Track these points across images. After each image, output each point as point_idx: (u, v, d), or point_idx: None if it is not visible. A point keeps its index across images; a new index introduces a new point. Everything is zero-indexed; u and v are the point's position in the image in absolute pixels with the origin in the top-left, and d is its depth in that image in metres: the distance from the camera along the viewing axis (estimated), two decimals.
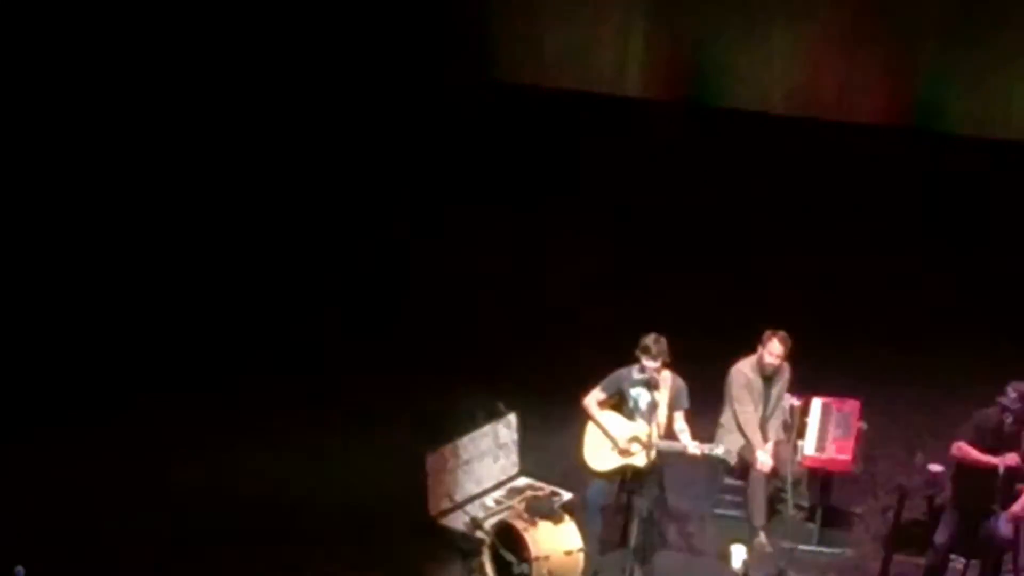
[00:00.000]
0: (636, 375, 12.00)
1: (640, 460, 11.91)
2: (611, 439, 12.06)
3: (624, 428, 12.05)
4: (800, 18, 18.90)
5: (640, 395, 11.99)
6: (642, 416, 11.95)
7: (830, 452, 12.46)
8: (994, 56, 18.27)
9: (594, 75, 19.64)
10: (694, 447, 11.89)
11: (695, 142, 18.58)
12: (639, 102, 19.49)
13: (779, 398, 12.57)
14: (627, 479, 12.09)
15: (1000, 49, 18.25)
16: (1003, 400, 11.44)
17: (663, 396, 11.96)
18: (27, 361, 14.55)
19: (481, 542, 12.13)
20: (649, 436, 11.80)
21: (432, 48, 19.46)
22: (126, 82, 18.33)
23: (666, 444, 11.91)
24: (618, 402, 12.17)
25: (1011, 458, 11.39)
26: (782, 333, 12.37)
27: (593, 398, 12.17)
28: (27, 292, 15.63)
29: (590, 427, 12.20)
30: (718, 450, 12.03)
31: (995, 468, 11.37)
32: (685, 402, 12.08)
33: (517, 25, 19.77)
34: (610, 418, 12.14)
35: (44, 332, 15.14)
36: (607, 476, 12.14)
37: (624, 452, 11.99)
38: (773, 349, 12.36)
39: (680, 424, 12.03)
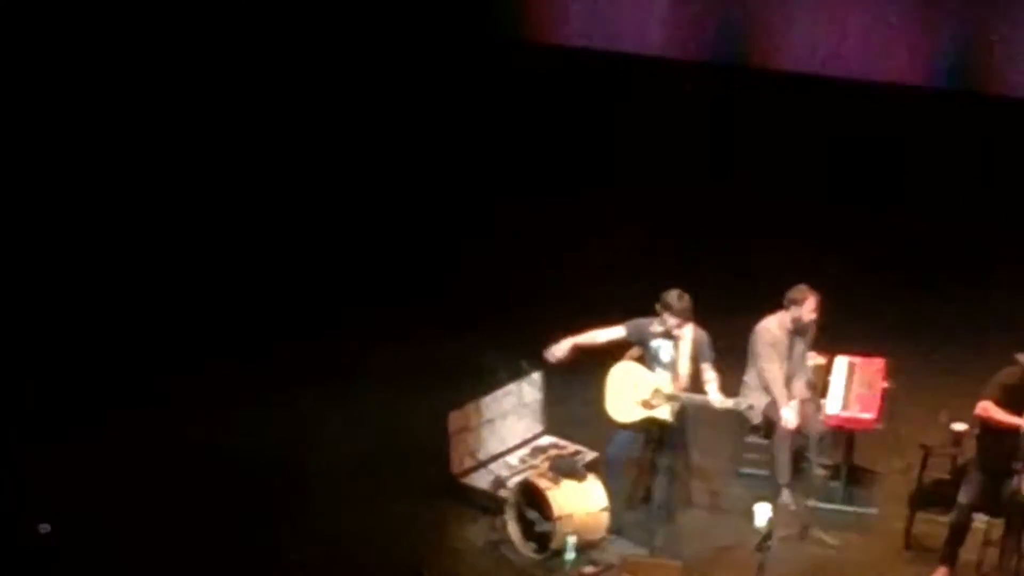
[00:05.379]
0: (657, 327, 11.87)
1: (663, 413, 11.80)
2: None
3: (646, 380, 11.92)
4: None
5: (661, 347, 11.85)
6: (664, 368, 11.85)
7: (854, 410, 12.41)
8: None
9: (617, 34, 19.58)
10: (718, 400, 11.74)
11: (720, 102, 18.54)
12: (662, 61, 19.44)
13: (803, 356, 12.53)
14: (652, 434, 12.01)
15: None
16: None
17: (685, 348, 11.80)
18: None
19: (504, 501, 12.13)
20: (672, 388, 11.77)
21: (448, 4, 19.45)
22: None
23: (688, 396, 11.81)
24: (641, 354, 12.07)
25: None
26: (812, 289, 12.36)
27: (609, 332, 11.99)
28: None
29: (611, 379, 12.02)
30: (742, 404, 12.00)
31: (1018, 428, 11.33)
32: (709, 353, 11.88)
33: None
34: (632, 369, 12.01)
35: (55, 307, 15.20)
36: (631, 429, 12.01)
37: (647, 404, 11.86)
38: (811, 305, 12.34)
39: (709, 374, 11.83)
